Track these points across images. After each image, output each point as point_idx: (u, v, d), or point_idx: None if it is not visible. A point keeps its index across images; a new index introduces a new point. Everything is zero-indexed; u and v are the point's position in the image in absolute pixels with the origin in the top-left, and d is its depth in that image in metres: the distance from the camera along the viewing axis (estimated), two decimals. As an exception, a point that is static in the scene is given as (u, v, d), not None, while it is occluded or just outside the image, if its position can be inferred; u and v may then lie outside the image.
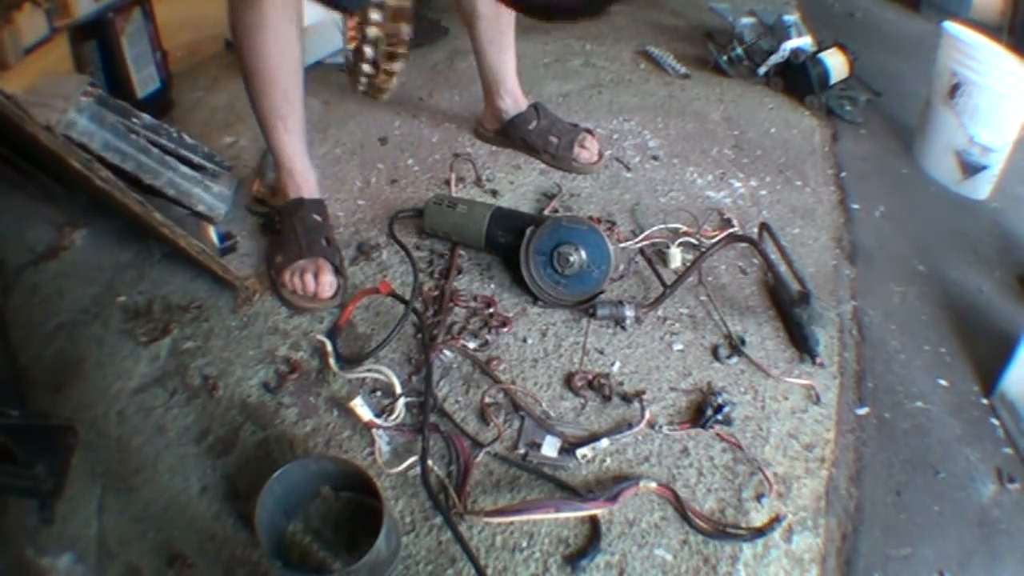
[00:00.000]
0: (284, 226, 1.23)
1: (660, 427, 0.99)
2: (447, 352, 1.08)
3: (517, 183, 1.48)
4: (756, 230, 1.24)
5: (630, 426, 0.98)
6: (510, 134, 1.54)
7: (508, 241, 1.20)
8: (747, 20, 1.97)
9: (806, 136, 1.71)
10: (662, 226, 1.34)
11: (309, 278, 1.14)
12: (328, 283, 1.15)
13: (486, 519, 0.86)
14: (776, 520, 0.87)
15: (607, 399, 1.03)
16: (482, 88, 1.54)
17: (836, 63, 1.80)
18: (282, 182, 1.27)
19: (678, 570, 0.84)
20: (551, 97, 1.80)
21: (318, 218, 1.24)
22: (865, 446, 1.01)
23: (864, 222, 1.44)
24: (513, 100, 1.51)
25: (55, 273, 1.23)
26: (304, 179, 1.27)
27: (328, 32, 1.87)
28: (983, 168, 1.52)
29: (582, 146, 1.49)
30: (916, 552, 0.89)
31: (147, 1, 1.62)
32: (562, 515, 0.86)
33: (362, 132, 1.64)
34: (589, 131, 1.53)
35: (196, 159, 1.29)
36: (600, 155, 1.51)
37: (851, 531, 0.91)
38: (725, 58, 1.92)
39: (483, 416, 1.00)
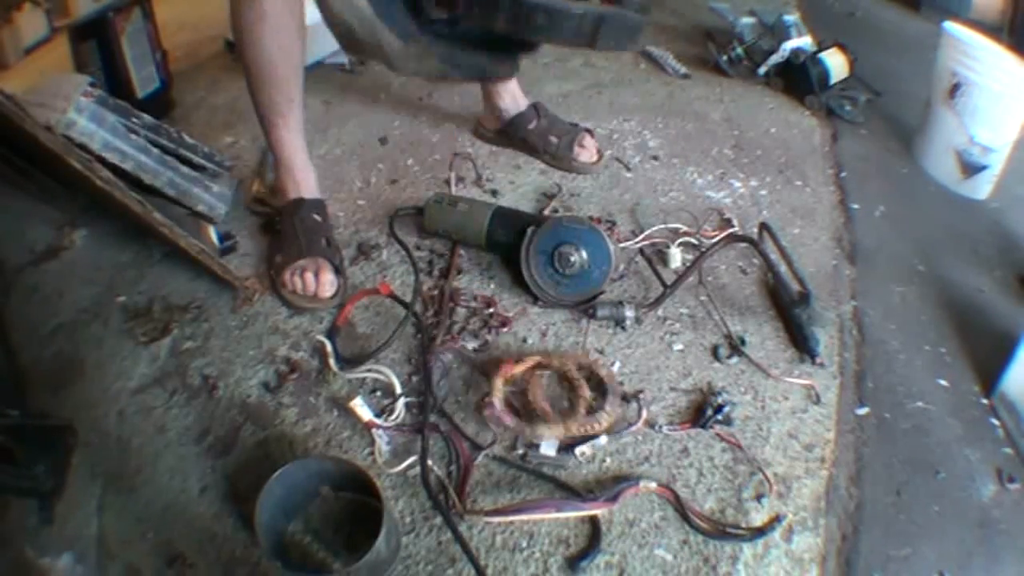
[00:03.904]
0: (284, 226, 1.23)
1: (660, 427, 0.99)
2: (447, 352, 1.08)
3: (517, 183, 1.48)
4: (756, 230, 1.24)
5: (630, 426, 0.98)
6: (510, 134, 1.53)
7: (508, 241, 1.20)
8: (747, 20, 1.97)
9: (806, 136, 1.71)
10: (662, 226, 1.34)
11: (309, 277, 1.14)
12: (328, 282, 1.15)
13: (486, 519, 0.86)
14: (776, 520, 0.87)
15: (607, 399, 1.03)
16: (481, 87, 1.54)
17: (836, 63, 1.80)
18: (281, 180, 1.27)
19: (678, 570, 0.84)
20: (551, 97, 1.79)
21: (318, 218, 1.24)
22: (865, 446, 1.01)
23: (864, 222, 1.44)
24: (512, 99, 1.51)
25: (55, 273, 1.23)
26: (303, 177, 1.27)
27: (328, 31, 1.87)
28: (983, 168, 1.52)
29: (581, 146, 1.49)
30: (916, 552, 0.89)
31: (147, 1, 1.61)
32: (562, 515, 0.86)
33: (362, 132, 1.64)
34: (588, 131, 1.53)
35: (196, 159, 1.29)
36: (600, 154, 1.51)
37: (851, 531, 0.91)
38: (725, 58, 1.92)
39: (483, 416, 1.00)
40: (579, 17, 0.60)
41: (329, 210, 1.30)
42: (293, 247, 1.18)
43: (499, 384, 0.99)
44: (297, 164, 1.26)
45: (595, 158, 1.50)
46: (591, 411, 0.97)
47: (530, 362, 1.03)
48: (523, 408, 0.99)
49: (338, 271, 1.18)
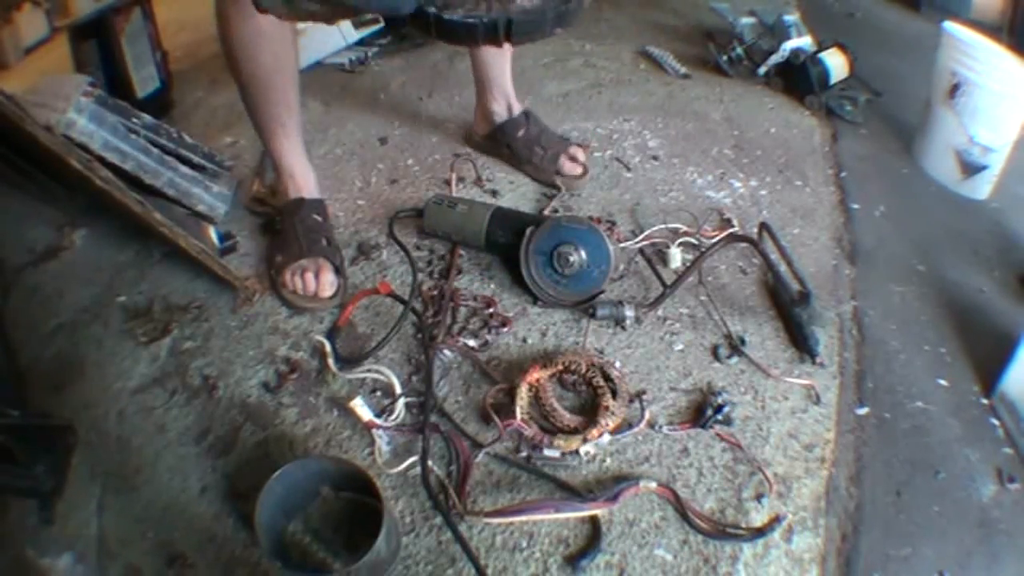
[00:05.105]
0: (284, 226, 1.23)
1: (660, 427, 0.99)
2: (447, 352, 1.08)
3: (517, 183, 1.48)
4: (756, 230, 1.24)
5: (630, 426, 0.98)
6: (497, 139, 1.50)
7: (508, 241, 1.20)
8: (747, 20, 1.97)
9: (806, 136, 1.71)
10: (662, 226, 1.34)
11: (309, 277, 1.14)
12: (328, 282, 1.15)
13: (486, 520, 0.86)
14: (776, 520, 0.87)
15: (607, 399, 1.03)
16: (475, 89, 1.51)
17: (836, 63, 1.80)
18: (282, 183, 1.28)
19: (678, 570, 0.84)
20: (551, 97, 1.80)
21: (318, 218, 1.24)
22: (865, 446, 1.01)
23: (864, 222, 1.44)
24: (506, 103, 1.48)
25: (55, 273, 1.24)
26: (304, 180, 1.27)
27: (328, 32, 1.87)
28: (983, 168, 1.52)
29: (571, 159, 1.44)
30: (916, 552, 0.89)
31: (147, 1, 1.62)
32: (562, 515, 0.86)
33: (362, 132, 1.64)
34: (581, 145, 1.49)
35: (196, 159, 1.29)
36: (585, 171, 1.45)
37: (851, 531, 0.91)
38: (725, 58, 1.92)
39: (483, 416, 1.00)
40: (490, 24, 0.74)
41: (329, 210, 1.30)
42: (294, 247, 1.19)
43: (524, 391, 0.99)
44: (297, 169, 1.27)
45: (579, 171, 1.44)
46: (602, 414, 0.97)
47: (554, 368, 1.03)
48: (539, 414, 1.00)
49: (338, 271, 1.18)
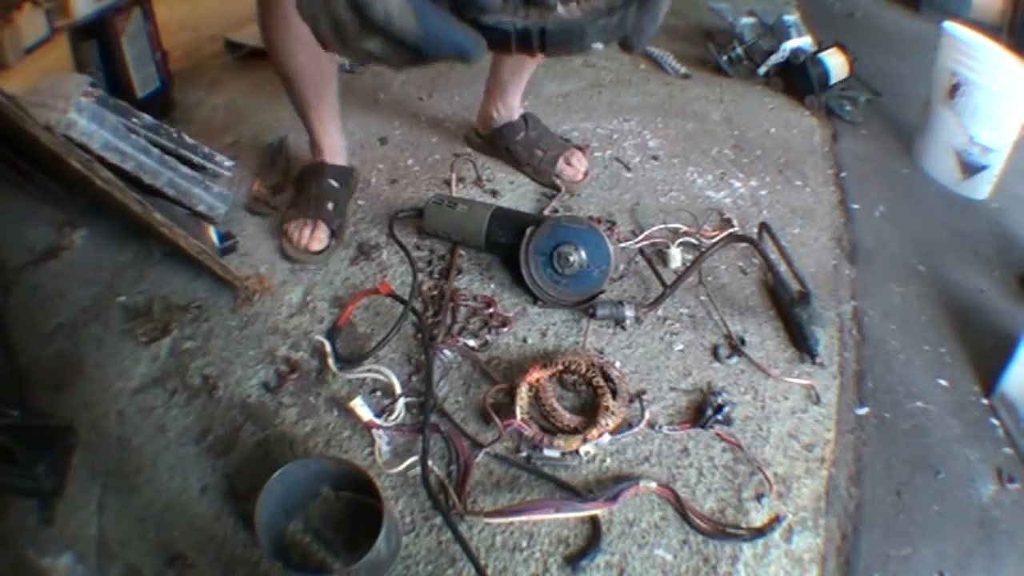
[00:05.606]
0: (304, 184, 1.32)
1: (660, 427, 0.99)
2: (447, 352, 1.08)
3: (517, 183, 1.48)
4: (756, 230, 1.24)
5: (630, 426, 0.98)
6: (497, 142, 1.51)
7: (508, 241, 1.20)
8: (747, 20, 1.97)
9: (806, 136, 1.71)
10: (662, 226, 1.34)
11: (306, 232, 1.24)
12: (319, 239, 1.24)
13: (486, 520, 0.86)
14: (776, 520, 0.87)
15: (607, 399, 1.03)
16: (484, 90, 1.51)
17: (836, 63, 1.80)
18: (311, 148, 1.37)
19: (678, 570, 0.84)
20: (551, 97, 1.80)
21: (334, 183, 1.31)
22: (865, 446, 1.01)
23: (864, 222, 1.44)
24: (506, 109, 1.48)
25: (55, 273, 1.24)
26: (329, 149, 1.35)
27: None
28: (983, 168, 1.52)
29: (568, 163, 1.45)
30: (916, 552, 0.89)
31: (147, 1, 1.61)
32: (562, 515, 0.86)
33: (362, 132, 1.64)
34: (580, 148, 1.49)
35: (196, 159, 1.29)
36: (585, 174, 1.46)
37: (851, 531, 0.91)
38: (725, 58, 1.92)
39: (484, 416, 1.00)
40: (524, 32, 0.68)
41: (357, 176, 1.40)
42: (303, 205, 1.28)
43: (524, 391, 1.00)
44: (325, 140, 1.34)
45: (579, 176, 1.45)
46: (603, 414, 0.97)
47: (554, 368, 1.03)
48: (539, 414, 1.00)
49: (334, 234, 1.26)
